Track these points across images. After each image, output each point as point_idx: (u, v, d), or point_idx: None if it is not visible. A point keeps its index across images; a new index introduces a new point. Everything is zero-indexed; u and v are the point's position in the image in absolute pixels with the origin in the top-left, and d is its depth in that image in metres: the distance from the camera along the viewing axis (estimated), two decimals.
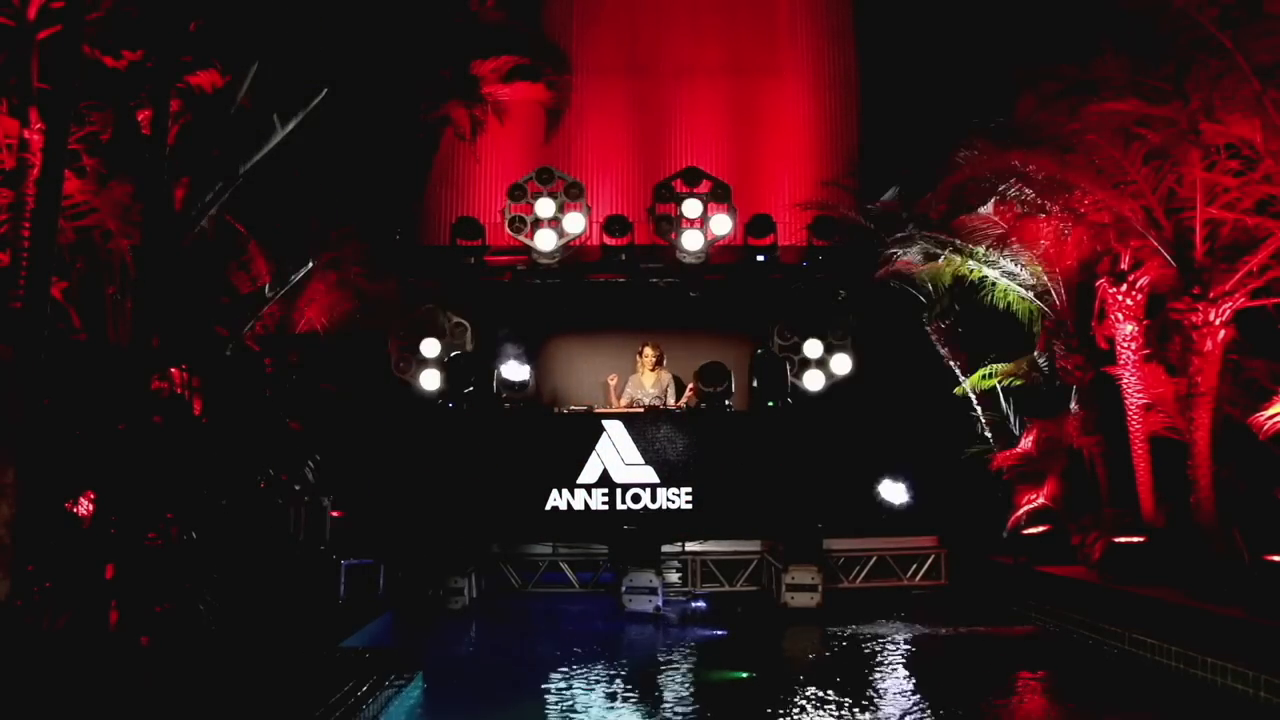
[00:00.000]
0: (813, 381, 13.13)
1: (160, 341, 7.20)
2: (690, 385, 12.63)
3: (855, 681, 7.99)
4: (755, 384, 12.63)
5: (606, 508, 11.55)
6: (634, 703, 7.63)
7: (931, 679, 8.38)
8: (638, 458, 11.73)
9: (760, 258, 13.34)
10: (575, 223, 13.07)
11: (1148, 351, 9.77)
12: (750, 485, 11.83)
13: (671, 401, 12.66)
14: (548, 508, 11.52)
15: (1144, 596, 8.68)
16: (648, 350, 12.75)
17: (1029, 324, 11.59)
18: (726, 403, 12.49)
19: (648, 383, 12.69)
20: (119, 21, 7.13)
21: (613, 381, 12.70)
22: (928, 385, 12.74)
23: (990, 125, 9.92)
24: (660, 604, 10.84)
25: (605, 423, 11.77)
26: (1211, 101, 8.08)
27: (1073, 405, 10.84)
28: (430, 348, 12.90)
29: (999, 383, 11.93)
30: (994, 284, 11.35)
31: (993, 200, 10.48)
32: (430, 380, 12.83)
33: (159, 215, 6.92)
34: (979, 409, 12.21)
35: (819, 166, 14.58)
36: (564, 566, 12.05)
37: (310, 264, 9.33)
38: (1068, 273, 10.71)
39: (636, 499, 11.61)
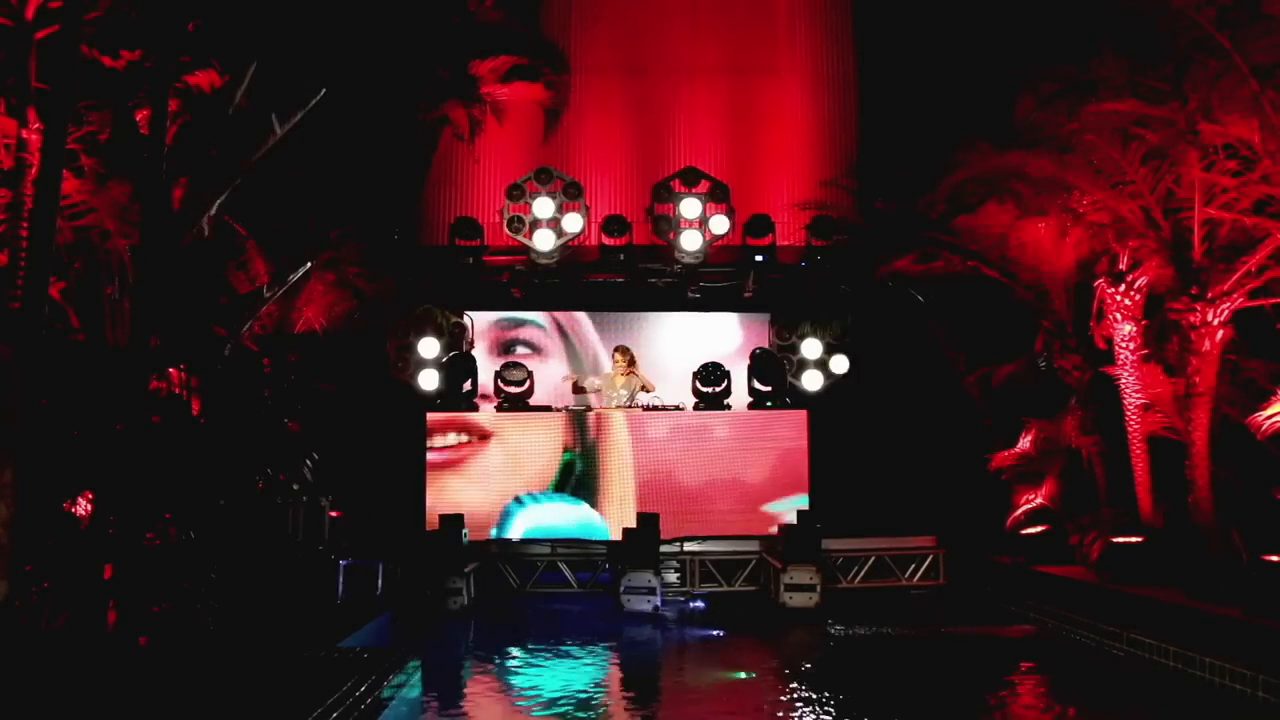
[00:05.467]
0: (811, 381, 13.20)
1: (159, 341, 7.20)
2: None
3: (854, 681, 7.99)
4: (754, 383, 12.64)
5: None
6: (633, 703, 7.63)
7: (930, 679, 8.38)
8: None
9: (759, 258, 13.36)
10: (574, 223, 13.07)
11: (1146, 352, 9.79)
12: (749, 484, 11.86)
13: (643, 400, 12.79)
14: None
15: (1142, 596, 8.69)
16: (618, 355, 12.96)
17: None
18: (726, 402, 12.52)
19: (619, 385, 12.77)
20: (118, 21, 7.12)
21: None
22: (927, 385, 12.74)
23: (989, 125, 9.94)
24: (659, 604, 10.83)
25: None
26: (1210, 102, 8.09)
27: (1071, 405, 10.85)
28: (428, 348, 12.91)
29: None
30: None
31: (992, 200, 10.48)
32: (429, 380, 12.84)
33: (157, 215, 6.92)
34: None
35: (818, 166, 14.57)
36: (562, 566, 12.04)
37: (309, 264, 9.33)
38: (1066, 273, 10.72)
39: None
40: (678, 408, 12.61)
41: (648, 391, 12.89)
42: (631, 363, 12.95)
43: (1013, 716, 7.38)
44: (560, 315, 13.99)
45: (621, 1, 15.20)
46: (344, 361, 11.87)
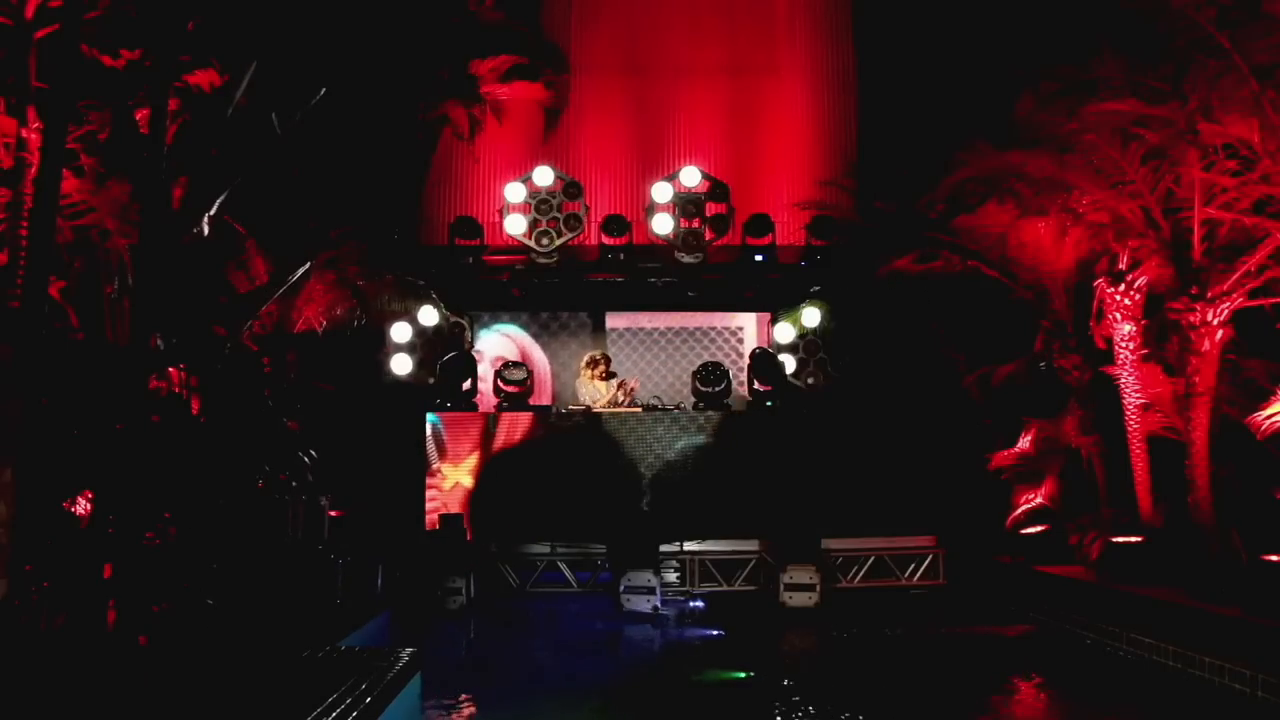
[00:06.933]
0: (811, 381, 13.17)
1: (158, 341, 7.20)
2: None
3: (853, 681, 7.99)
4: (753, 383, 12.64)
5: None
6: (632, 703, 7.63)
7: (930, 678, 8.38)
8: None
9: (758, 257, 13.36)
10: (574, 222, 13.07)
11: (1146, 351, 9.79)
12: (748, 484, 11.87)
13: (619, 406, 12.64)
14: None
15: (1142, 596, 8.68)
16: (600, 361, 12.84)
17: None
18: (725, 402, 12.52)
19: (602, 389, 12.71)
20: (118, 20, 7.11)
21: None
22: (927, 385, 12.73)
23: (989, 125, 9.94)
24: (658, 604, 10.83)
25: None
26: (1209, 101, 8.09)
27: (1071, 405, 10.85)
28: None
29: None
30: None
31: (992, 200, 10.47)
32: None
33: (157, 215, 6.92)
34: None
35: (817, 166, 14.57)
36: (562, 566, 12.04)
37: (309, 264, 9.32)
38: (1066, 272, 10.72)
39: None
40: (678, 408, 12.60)
41: (632, 394, 12.70)
42: (609, 366, 12.87)
43: (1012, 716, 7.39)
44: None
45: (621, 1, 15.21)
46: (344, 361, 11.85)
